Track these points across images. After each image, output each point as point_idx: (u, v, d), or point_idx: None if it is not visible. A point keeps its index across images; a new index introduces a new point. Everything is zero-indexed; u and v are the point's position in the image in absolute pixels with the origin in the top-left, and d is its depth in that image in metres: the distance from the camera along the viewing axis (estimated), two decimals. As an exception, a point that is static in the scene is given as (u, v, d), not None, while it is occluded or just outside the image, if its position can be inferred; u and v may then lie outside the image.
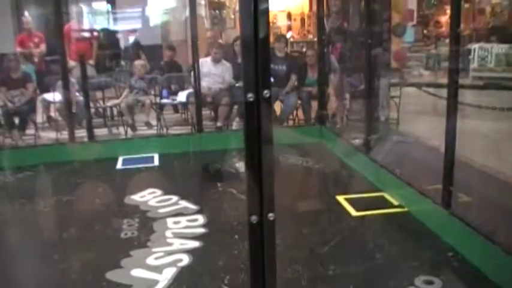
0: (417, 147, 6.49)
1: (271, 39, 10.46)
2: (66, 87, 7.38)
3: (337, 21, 8.31)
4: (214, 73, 8.60)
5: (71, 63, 9.07)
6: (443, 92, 4.54)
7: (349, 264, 3.98)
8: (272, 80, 7.71)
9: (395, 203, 5.08)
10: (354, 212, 4.89)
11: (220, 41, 10.21)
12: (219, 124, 8.48)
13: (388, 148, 6.30)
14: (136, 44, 11.25)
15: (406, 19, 12.38)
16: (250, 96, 1.67)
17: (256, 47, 1.64)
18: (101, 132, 8.59)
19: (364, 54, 6.40)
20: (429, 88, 8.78)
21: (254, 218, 1.76)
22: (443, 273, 3.74)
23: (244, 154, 1.72)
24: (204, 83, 7.91)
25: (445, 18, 16.77)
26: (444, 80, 4.63)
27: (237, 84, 8.48)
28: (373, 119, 6.48)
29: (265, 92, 1.68)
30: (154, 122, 8.93)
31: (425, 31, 17.73)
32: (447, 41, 5.59)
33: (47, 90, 9.65)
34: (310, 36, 15.22)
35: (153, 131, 8.66)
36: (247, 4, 1.59)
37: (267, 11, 1.61)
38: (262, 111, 1.69)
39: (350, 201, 5.13)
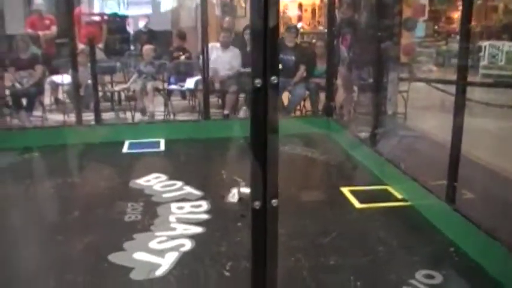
0: (423, 143, 6.47)
1: (281, 29, 10.45)
2: (75, 70, 7.37)
3: (348, 13, 8.28)
4: (222, 58, 8.60)
5: (81, 46, 9.09)
6: (452, 89, 4.53)
7: (350, 255, 3.99)
8: (281, 70, 7.76)
9: (399, 196, 5.08)
10: (357, 204, 4.90)
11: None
12: (226, 112, 8.49)
13: (394, 142, 6.29)
14: (146, 29, 11.24)
15: (417, 13, 12.34)
16: (258, 82, 1.66)
17: (265, 33, 1.64)
18: (108, 116, 8.62)
19: (374, 47, 6.38)
20: (438, 84, 8.79)
21: (257, 204, 1.76)
22: (444, 268, 3.75)
23: (250, 139, 1.72)
24: (212, 69, 7.90)
25: (456, 15, 16.66)
26: (453, 77, 4.61)
27: (243, 70, 8.47)
28: (380, 113, 6.47)
29: (273, 78, 1.68)
30: (161, 108, 8.96)
31: (436, 27, 17.62)
32: (458, 37, 5.56)
33: (56, 73, 9.68)
34: (321, 28, 15.17)
35: (160, 117, 8.69)
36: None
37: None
38: (269, 97, 1.69)
39: (354, 193, 5.14)
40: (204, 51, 7.27)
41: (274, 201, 1.77)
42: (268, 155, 1.73)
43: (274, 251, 1.83)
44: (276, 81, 1.68)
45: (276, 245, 1.82)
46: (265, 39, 1.64)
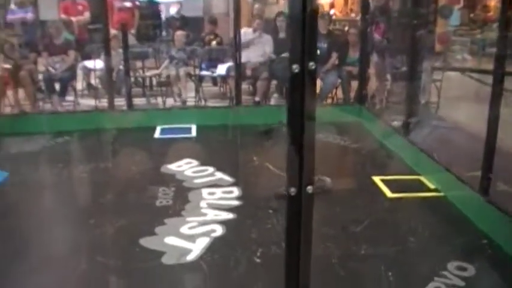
0: (457, 133, 6.37)
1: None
2: (108, 55, 7.41)
3: (382, 0, 8.17)
4: (254, 44, 8.57)
5: (113, 32, 9.15)
6: (487, 78, 4.44)
7: (381, 245, 3.95)
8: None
9: (432, 187, 5.02)
10: (389, 193, 4.85)
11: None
12: (257, 99, 8.47)
13: (428, 132, 6.21)
14: (178, 15, 11.26)
15: (452, 1, 12.11)
16: (296, 67, 1.65)
17: (304, 17, 1.62)
18: (139, 101, 8.68)
19: (408, 35, 6.29)
20: (472, 73, 8.62)
21: (293, 190, 1.75)
22: (477, 260, 3.69)
23: (286, 125, 1.71)
24: (244, 54, 7.87)
25: (493, 3, 16.31)
26: (488, 66, 4.52)
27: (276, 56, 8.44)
28: (413, 102, 6.39)
29: (311, 64, 1.66)
30: (192, 94, 8.98)
31: (471, 15, 17.28)
32: (494, 26, 5.44)
33: (88, 58, 9.77)
34: (353, 15, 15.02)
35: (191, 103, 8.72)
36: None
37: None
38: (306, 83, 1.67)
39: (386, 182, 5.09)
40: (237, 37, 7.24)
41: (309, 188, 1.76)
42: (304, 142, 1.72)
43: (309, 238, 1.82)
44: (314, 67, 1.66)
45: (310, 232, 1.81)
46: (303, 24, 1.62)
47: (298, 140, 1.72)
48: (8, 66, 8.65)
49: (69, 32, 9.94)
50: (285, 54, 8.61)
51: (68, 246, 4.00)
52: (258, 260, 3.63)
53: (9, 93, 8.69)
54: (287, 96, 1.71)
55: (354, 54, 8.23)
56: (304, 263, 1.84)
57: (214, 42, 9.64)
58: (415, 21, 6.20)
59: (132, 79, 9.04)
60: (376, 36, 8.10)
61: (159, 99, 8.88)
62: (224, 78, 9.10)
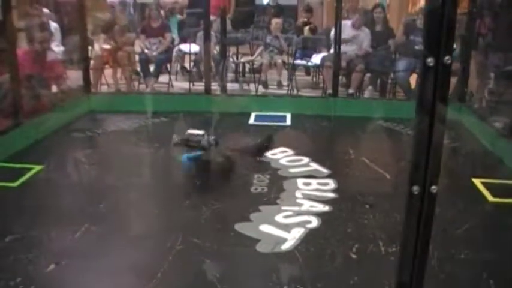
0: None
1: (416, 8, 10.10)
2: (206, 40, 7.49)
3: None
4: (352, 38, 8.44)
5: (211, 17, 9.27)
6: None
7: (482, 250, 3.78)
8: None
9: (537, 193, 4.76)
10: (490, 197, 4.64)
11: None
12: (350, 91, 8.36)
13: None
14: (274, 3, 11.28)
15: None
16: (430, 61, 1.58)
17: (443, 8, 1.54)
18: (232, 87, 8.76)
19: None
20: None
21: (416, 189, 1.69)
22: None
23: (415, 120, 1.65)
24: (341, 48, 7.77)
25: None
26: None
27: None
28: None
29: (447, 58, 1.58)
30: (285, 82, 8.97)
31: None
32: None
33: (184, 42, 9.97)
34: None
35: (283, 91, 8.71)
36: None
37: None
38: (439, 77, 1.60)
39: (486, 185, 4.87)
40: (337, 28, 7.14)
41: (433, 188, 1.70)
42: (432, 141, 1.66)
43: (427, 239, 1.76)
44: (449, 62, 1.58)
45: (429, 233, 1.75)
46: (442, 14, 1.54)
47: (426, 137, 1.66)
48: (108, 46, 8.95)
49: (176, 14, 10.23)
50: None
51: (164, 225, 4.08)
52: (353, 256, 3.56)
53: (107, 72, 9.00)
54: (418, 91, 1.63)
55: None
56: (420, 264, 1.78)
57: (306, 28, 9.59)
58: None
59: (227, 65, 9.14)
60: (481, 31, 7.75)
61: (252, 86, 8.92)
62: (318, 68, 9.03)
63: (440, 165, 1.69)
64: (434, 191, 1.70)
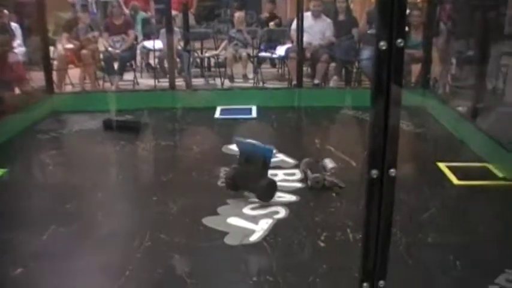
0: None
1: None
2: (169, 36, 7.43)
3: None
4: (314, 28, 8.45)
5: (173, 12, 9.20)
6: None
7: (449, 233, 3.82)
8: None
9: (500, 175, 4.83)
10: (455, 181, 4.70)
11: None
12: (316, 81, 8.38)
13: (495, 118, 5.98)
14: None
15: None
16: (383, 44, 1.58)
17: (393, -8, 1.55)
18: (197, 82, 8.72)
19: (477, 18, 6.07)
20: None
21: (374, 173, 1.69)
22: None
23: (370, 105, 1.64)
24: (304, 38, 7.78)
25: None
26: None
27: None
28: (481, 87, 6.17)
29: (399, 41, 1.58)
30: (250, 75, 8.96)
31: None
32: None
33: (147, 38, 9.89)
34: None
35: (249, 84, 8.69)
36: None
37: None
38: (393, 60, 1.60)
39: (451, 168, 4.93)
40: (299, 19, 7.15)
41: (392, 171, 1.69)
42: (389, 123, 1.66)
43: (389, 222, 1.77)
44: (402, 45, 1.58)
45: (390, 216, 1.76)
46: (392, -1, 1.55)
47: (382, 121, 1.65)
48: (71, 46, 8.81)
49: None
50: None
51: (131, 223, 4.06)
52: (322, 244, 3.57)
53: (70, 72, 8.87)
54: (372, 75, 1.63)
55: (416, 36, 8.00)
56: (383, 247, 1.79)
57: (272, 23, 9.59)
58: (484, 3, 5.98)
59: (191, 60, 9.09)
60: (442, 18, 7.86)
61: (217, 80, 8.89)
62: (283, 60, 9.04)
63: (397, 148, 1.68)
64: (393, 174, 1.69)
